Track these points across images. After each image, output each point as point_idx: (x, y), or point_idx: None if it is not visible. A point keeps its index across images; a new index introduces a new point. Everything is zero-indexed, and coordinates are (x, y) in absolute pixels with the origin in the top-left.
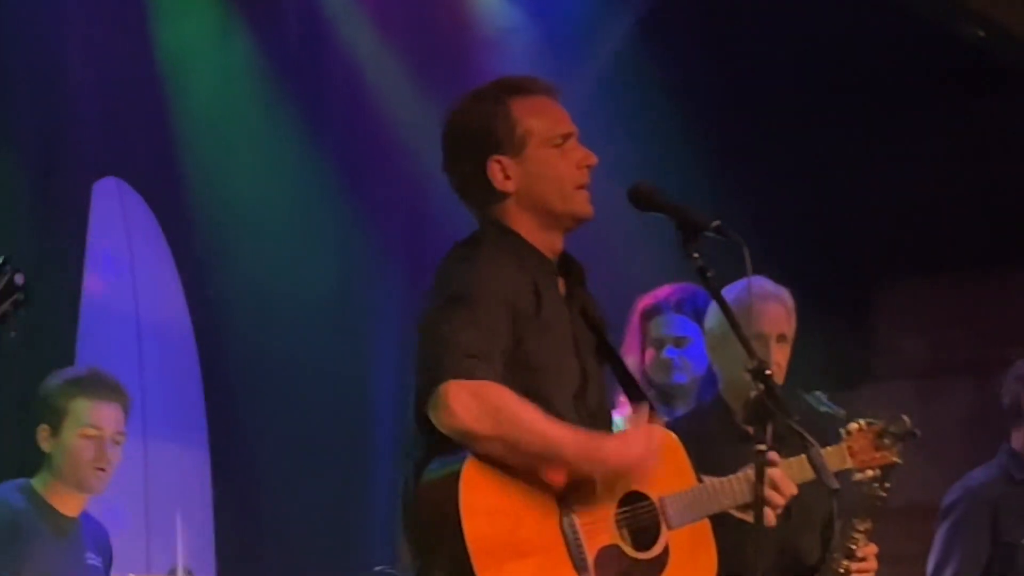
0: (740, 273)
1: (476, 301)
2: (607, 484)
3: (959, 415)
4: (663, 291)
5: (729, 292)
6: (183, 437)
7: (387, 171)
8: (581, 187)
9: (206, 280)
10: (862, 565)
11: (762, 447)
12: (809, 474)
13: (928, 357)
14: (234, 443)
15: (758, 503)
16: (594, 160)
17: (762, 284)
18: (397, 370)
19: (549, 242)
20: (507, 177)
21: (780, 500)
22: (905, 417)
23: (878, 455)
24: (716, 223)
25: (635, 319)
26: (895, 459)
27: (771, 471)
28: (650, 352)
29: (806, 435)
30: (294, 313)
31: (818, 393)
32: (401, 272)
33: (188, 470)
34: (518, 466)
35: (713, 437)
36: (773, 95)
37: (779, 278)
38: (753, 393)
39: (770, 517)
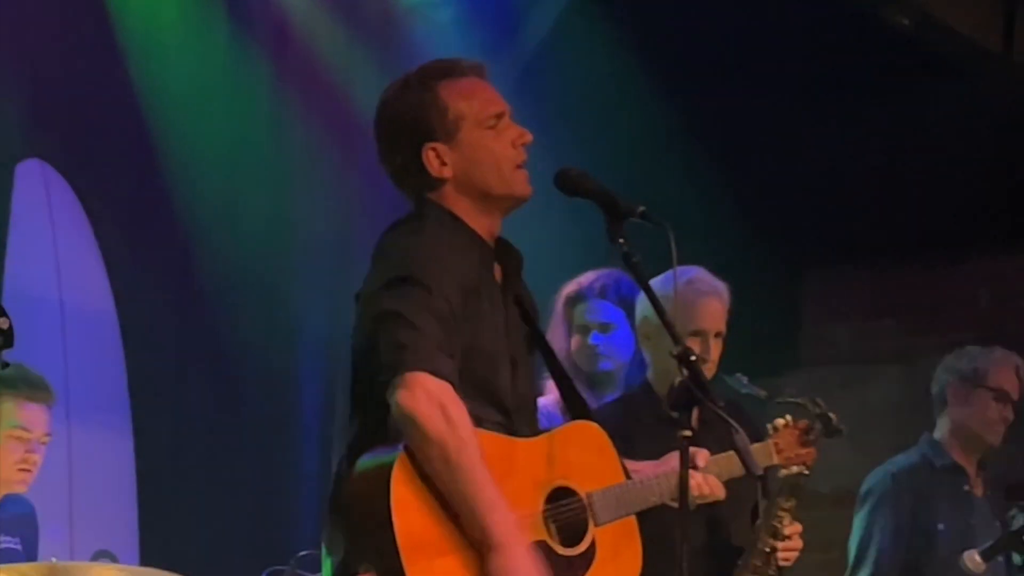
0: (667, 258)
1: (430, 283)
2: (535, 480)
3: (885, 402)
4: (587, 277)
5: (666, 282)
6: (107, 422)
7: (312, 162)
8: (519, 166)
9: (130, 264)
10: (788, 544)
11: (686, 432)
12: (737, 470)
13: (855, 345)
14: (158, 428)
15: (682, 486)
16: (529, 137)
17: (702, 278)
18: (323, 353)
19: (488, 225)
20: (443, 163)
21: (706, 492)
22: (832, 414)
23: (803, 452)
24: (642, 209)
25: (559, 306)
26: (815, 456)
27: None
28: (576, 339)
29: (731, 421)
30: (218, 297)
31: (739, 375)
32: (327, 256)
33: (112, 455)
34: (435, 478)
35: (641, 423)
36: (703, 80)
37: (706, 264)
38: (678, 379)
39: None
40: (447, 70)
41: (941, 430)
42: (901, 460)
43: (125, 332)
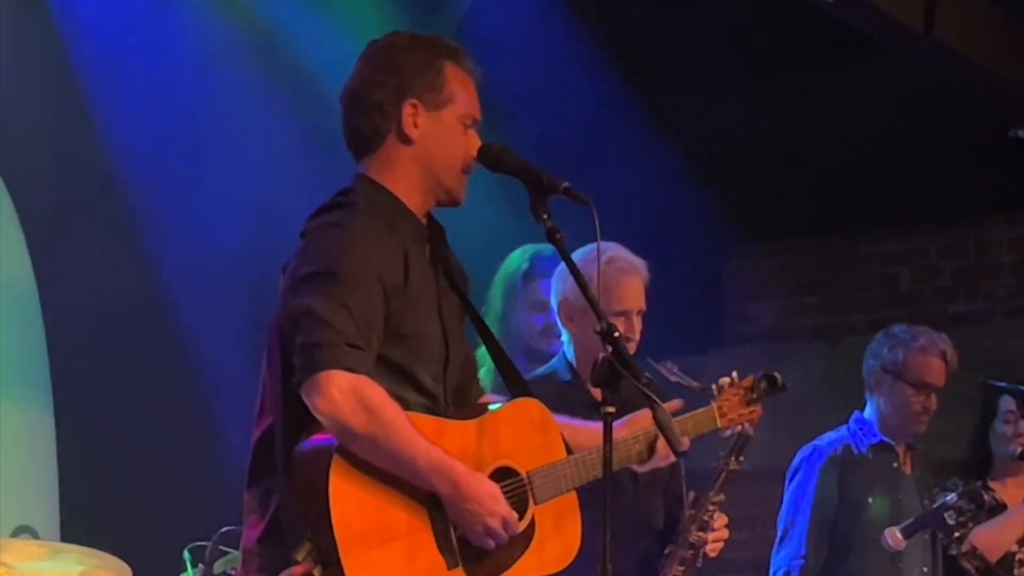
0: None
1: (350, 279)
2: (476, 461)
3: (807, 380)
4: (536, 254)
5: (586, 259)
6: (27, 397)
7: (234, 134)
8: (466, 173)
9: (51, 239)
10: (717, 535)
11: (610, 409)
12: (705, 428)
13: (777, 323)
14: (79, 403)
15: (606, 463)
16: None
17: (622, 256)
18: (246, 330)
19: (423, 202)
20: (416, 125)
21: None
22: (777, 374)
23: (746, 411)
24: (565, 185)
25: (517, 281)
26: (760, 414)
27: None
28: (530, 315)
29: (653, 396)
30: (139, 273)
31: (669, 363)
32: (249, 231)
33: (32, 430)
34: (376, 468)
35: (565, 403)
36: (626, 56)
37: (629, 242)
38: (601, 355)
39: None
40: (458, 54)
41: (869, 411)
42: (831, 436)
43: (46, 307)
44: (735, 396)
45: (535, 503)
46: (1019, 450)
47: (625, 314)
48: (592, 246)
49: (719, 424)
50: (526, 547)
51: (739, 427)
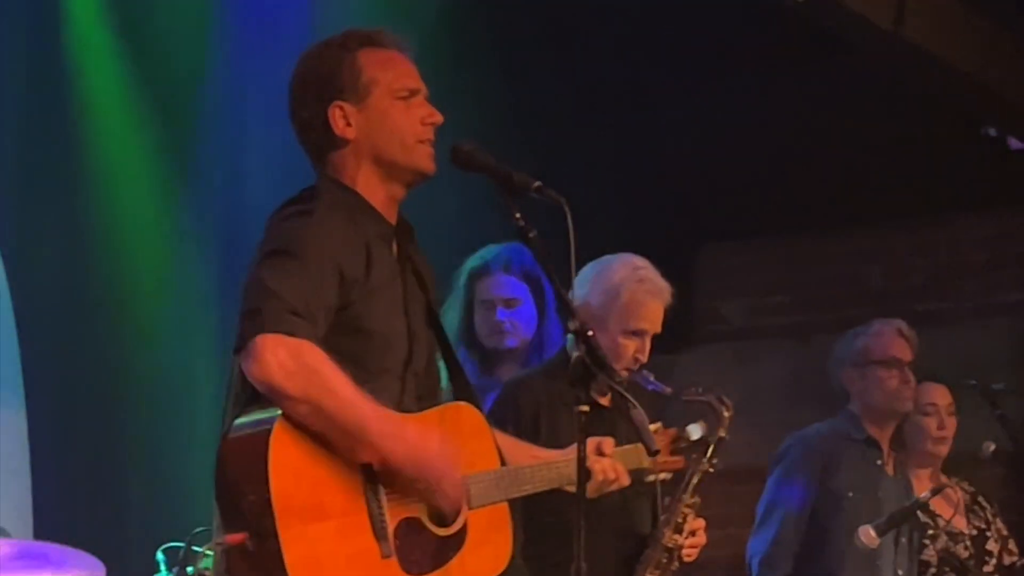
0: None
1: (303, 256)
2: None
3: (778, 378)
4: (491, 251)
5: (613, 268)
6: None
7: (206, 144)
8: (423, 142)
9: (22, 240)
10: (693, 540)
11: (584, 408)
12: (641, 461)
13: (748, 321)
14: (51, 403)
15: (579, 463)
16: (439, 119)
17: (652, 279)
18: (218, 328)
19: (387, 196)
20: (348, 124)
21: (611, 476)
22: (701, 428)
23: (672, 460)
24: (537, 184)
25: (462, 280)
26: (681, 465)
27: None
28: (480, 314)
29: (628, 396)
30: (112, 271)
31: (644, 372)
32: (222, 232)
33: (4, 429)
34: (321, 432)
35: (565, 401)
36: (599, 56)
37: (600, 240)
38: (575, 354)
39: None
40: (370, 38)
41: (856, 408)
42: (818, 427)
43: (18, 307)
44: (663, 442)
45: (469, 507)
46: (991, 446)
47: (640, 334)
48: (622, 256)
49: (646, 463)
50: (459, 548)
51: (662, 475)
